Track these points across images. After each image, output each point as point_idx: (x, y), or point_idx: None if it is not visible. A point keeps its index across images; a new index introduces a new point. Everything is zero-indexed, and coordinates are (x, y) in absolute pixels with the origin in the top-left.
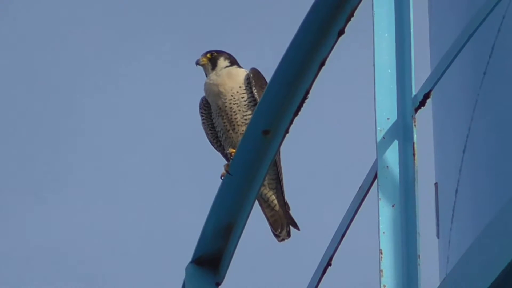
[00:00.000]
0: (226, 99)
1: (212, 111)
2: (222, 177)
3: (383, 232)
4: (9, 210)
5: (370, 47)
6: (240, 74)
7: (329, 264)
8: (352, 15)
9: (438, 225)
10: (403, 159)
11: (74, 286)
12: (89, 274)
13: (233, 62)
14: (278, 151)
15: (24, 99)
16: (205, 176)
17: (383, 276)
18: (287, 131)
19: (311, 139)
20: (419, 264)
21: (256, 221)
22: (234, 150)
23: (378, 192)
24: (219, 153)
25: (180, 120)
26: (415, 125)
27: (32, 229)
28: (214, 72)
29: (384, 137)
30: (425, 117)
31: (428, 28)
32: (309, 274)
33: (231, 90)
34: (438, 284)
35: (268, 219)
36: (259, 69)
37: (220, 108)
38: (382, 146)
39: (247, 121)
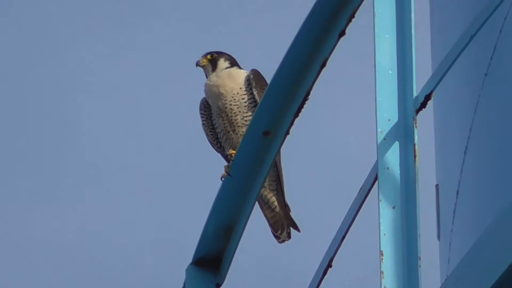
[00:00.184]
0: (226, 100)
1: (212, 112)
2: (223, 178)
3: (384, 234)
4: (9, 210)
5: (371, 48)
6: (240, 75)
7: (329, 265)
8: (353, 16)
9: (439, 226)
10: (404, 161)
11: (75, 286)
12: (89, 274)
13: (233, 63)
14: (278, 152)
15: (24, 99)
16: (206, 177)
17: (383, 277)
18: (287, 132)
19: (311, 140)
20: (419, 266)
21: (257, 222)
22: (234, 151)
23: (378, 193)
24: (219, 154)
25: (180, 121)
26: (416, 127)
27: (32, 229)
28: (214, 73)
29: (385, 138)
30: (426, 118)
31: (430, 29)
32: (309, 275)
33: (232, 91)
34: (439, 286)
35: (268, 220)
36: (260, 70)
37: (220, 109)
38: (383, 147)
39: (248, 122)
